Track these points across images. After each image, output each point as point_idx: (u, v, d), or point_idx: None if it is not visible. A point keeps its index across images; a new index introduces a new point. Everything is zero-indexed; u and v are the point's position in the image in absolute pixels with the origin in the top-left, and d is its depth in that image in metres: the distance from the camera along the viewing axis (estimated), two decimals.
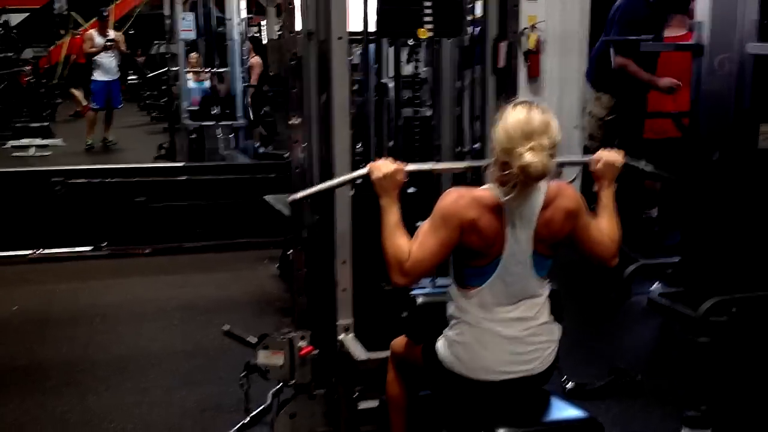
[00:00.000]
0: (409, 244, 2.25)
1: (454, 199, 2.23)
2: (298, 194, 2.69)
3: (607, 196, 2.44)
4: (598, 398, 3.46)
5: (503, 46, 2.97)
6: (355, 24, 3.11)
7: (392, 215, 2.31)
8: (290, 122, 3.13)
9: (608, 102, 5.57)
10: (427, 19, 2.90)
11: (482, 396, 2.31)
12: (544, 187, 2.25)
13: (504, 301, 2.26)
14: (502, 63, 2.99)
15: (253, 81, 9.80)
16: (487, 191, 2.23)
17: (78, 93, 13.41)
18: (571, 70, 6.53)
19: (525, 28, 6.52)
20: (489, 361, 2.26)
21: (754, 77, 4.10)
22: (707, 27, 4.38)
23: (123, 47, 10.95)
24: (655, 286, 4.85)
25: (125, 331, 4.42)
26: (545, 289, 2.33)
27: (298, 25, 3.14)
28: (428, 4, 2.88)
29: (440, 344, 2.36)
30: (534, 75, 6.52)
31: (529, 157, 2.10)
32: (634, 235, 5.58)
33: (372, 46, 3.34)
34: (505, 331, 2.26)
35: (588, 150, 5.85)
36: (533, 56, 6.53)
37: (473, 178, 3.19)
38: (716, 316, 4.15)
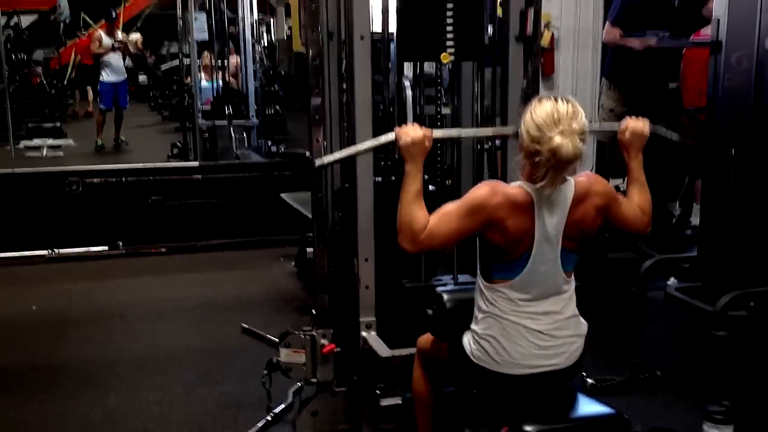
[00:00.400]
0: (426, 217, 2.25)
1: (487, 194, 2.22)
2: (325, 158, 2.64)
3: (636, 167, 2.46)
4: (618, 394, 3.46)
5: (531, 13, 2.96)
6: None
7: (415, 183, 2.29)
8: (313, 121, 3.13)
9: (618, 95, 5.57)
10: (449, 43, 2.91)
11: (510, 390, 2.32)
12: (572, 184, 2.25)
13: (531, 296, 2.27)
14: (530, 30, 2.97)
15: (231, 77, 9.77)
16: (520, 188, 2.23)
17: (89, 93, 13.46)
18: (585, 67, 6.53)
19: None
20: (516, 354, 2.27)
21: None
22: (725, 23, 4.37)
23: (132, 48, 10.99)
24: (672, 281, 4.84)
25: (143, 330, 4.44)
26: (571, 284, 2.34)
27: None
28: (450, 28, 2.89)
29: (466, 339, 2.37)
30: (548, 72, 6.51)
31: (558, 139, 2.11)
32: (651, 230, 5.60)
33: (393, 45, 3.35)
34: (532, 325, 2.27)
35: (601, 144, 5.87)
36: (548, 54, 6.51)
37: (499, 147, 3.18)
38: (734, 311, 4.14)
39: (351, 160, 3.00)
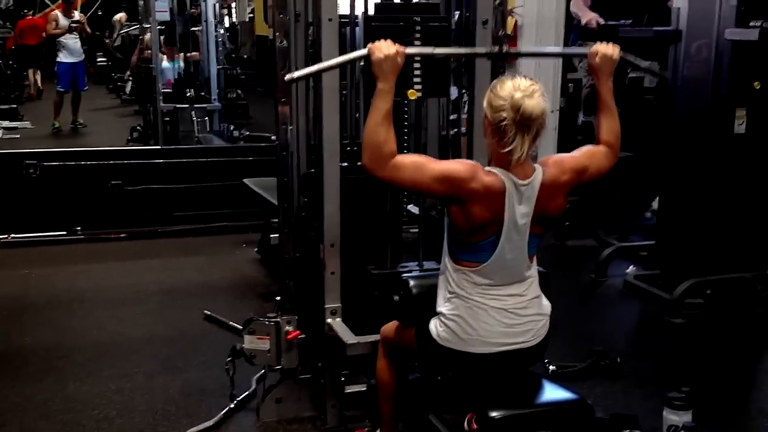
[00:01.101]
0: (395, 142, 2.25)
1: (467, 174, 2.23)
2: (295, 74, 2.61)
3: (605, 92, 2.49)
4: (580, 380, 3.51)
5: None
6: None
7: (386, 102, 2.28)
8: (279, 105, 3.11)
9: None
10: (416, 80, 2.92)
11: (478, 370, 2.35)
12: (540, 172, 2.28)
13: (497, 282, 2.30)
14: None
15: (136, 55, 10.62)
16: (495, 176, 2.24)
17: (32, 76, 13.19)
18: None
19: None
20: (483, 332, 2.30)
21: (732, 63, 4.16)
22: (685, 13, 4.44)
23: (87, 29, 10.82)
24: (631, 268, 4.93)
25: (104, 317, 4.38)
26: (534, 267, 2.38)
27: None
28: (417, 66, 2.91)
29: (433, 323, 2.39)
30: (511, 60, 6.54)
31: (520, 95, 2.17)
32: (609, 219, 5.68)
33: (358, 29, 3.33)
34: (498, 305, 2.31)
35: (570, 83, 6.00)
36: (511, 41, 6.54)
37: (464, 133, 3.19)
38: (692, 298, 4.23)
39: (319, 143, 2.99)
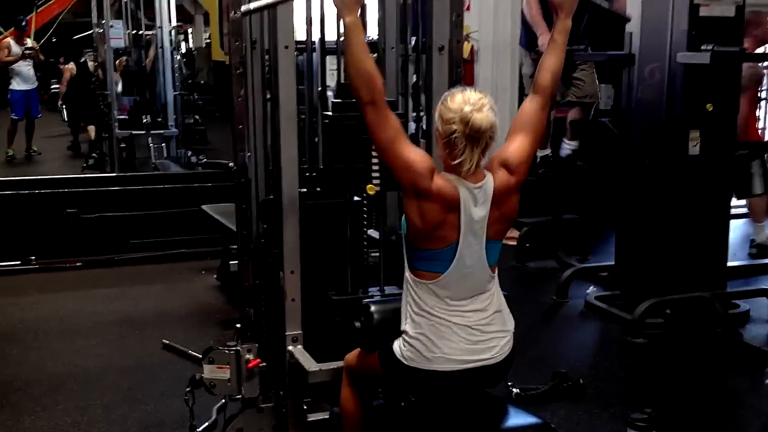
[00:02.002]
0: (381, 77, 2.26)
1: (426, 167, 2.23)
2: (252, 5, 2.58)
3: (561, 30, 2.47)
4: (542, 403, 3.51)
5: None
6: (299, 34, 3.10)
7: (360, 34, 2.26)
8: (236, 131, 3.08)
9: (533, 61, 5.70)
10: (375, 175, 2.94)
11: (444, 388, 2.33)
12: (491, 178, 2.29)
13: (459, 294, 2.29)
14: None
15: (63, 85, 10.94)
16: (448, 182, 2.25)
17: None
18: (504, 79, 6.66)
19: None
20: (447, 349, 2.28)
21: (684, 85, 4.24)
22: (637, 37, 4.52)
23: (41, 56, 10.72)
24: (592, 289, 4.96)
25: (60, 348, 4.28)
26: (495, 278, 2.38)
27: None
28: (375, 161, 2.93)
29: (397, 344, 2.37)
30: (467, 83, 6.57)
31: (469, 108, 2.18)
32: (566, 238, 5.73)
33: (315, 56, 3.33)
34: (461, 321, 2.29)
35: None
36: (467, 65, 6.61)
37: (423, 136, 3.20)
38: (652, 318, 4.27)
39: (277, 169, 2.97)
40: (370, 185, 2.97)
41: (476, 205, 2.26)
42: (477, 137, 2.20)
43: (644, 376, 3.93)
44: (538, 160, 5.89)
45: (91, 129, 10.78)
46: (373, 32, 3.52)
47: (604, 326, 4.58)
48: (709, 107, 4.25)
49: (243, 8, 2.90)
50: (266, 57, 3.24)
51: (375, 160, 2.95)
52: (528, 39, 5.81)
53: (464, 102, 2.21)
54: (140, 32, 8.63)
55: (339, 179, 3.04)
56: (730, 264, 4.82)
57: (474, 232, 2.27)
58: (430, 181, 2.23)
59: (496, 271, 2.37)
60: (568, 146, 5.84)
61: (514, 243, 5.88)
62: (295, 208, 2.96)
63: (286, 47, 2.91)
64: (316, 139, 3.33)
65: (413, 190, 2.25)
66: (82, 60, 11.53)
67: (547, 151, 5.88)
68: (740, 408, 3.61)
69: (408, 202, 2.28)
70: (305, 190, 3.14)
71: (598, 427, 3.33)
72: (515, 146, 2.37)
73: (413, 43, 3.36)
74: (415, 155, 2.27)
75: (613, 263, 4.93)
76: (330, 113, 3.02)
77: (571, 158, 5.96)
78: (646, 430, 2.83)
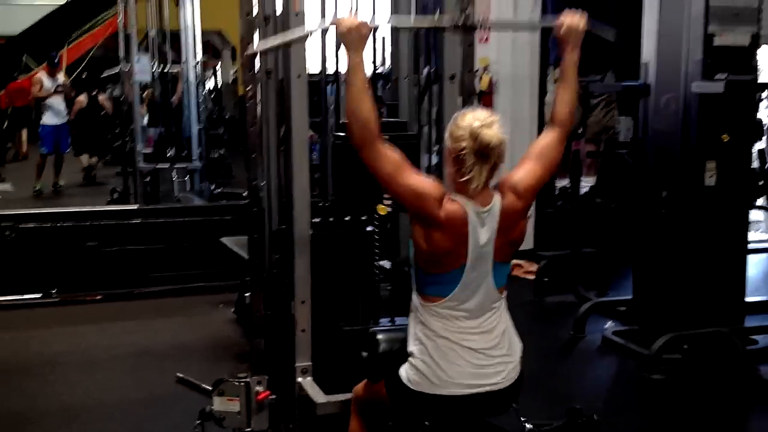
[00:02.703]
0: (377, 119, 2.29)
1: (435, 194, 2.27)
2: (257, 47, 2.64)
3: (569, 64, 2.51)
4: None
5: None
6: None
7: (361, 73, 2.31)
8: (249, 160, 3.12)
9: None
10: (386, 196, 2.97)
11: (452, 413, 2.32)
12: (499, 199, 2.31)
13: (465, 314, 2.30)
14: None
15: (72, 115, 11.02)
16: (456, 203, 2.27)
17: (23, 135, 13.41)
18: (523, 110, 6.65)
19: (477, 70, 6.65)
20: (453, 373, 2.28)
21: (699, 115, 4.22)
22: (653, 67, 4.51)
23: (72, 92, 10.94)
24: (609, 324, 4.91)
25: (76, 380, 4.31)
26: (503, 300, 2.38)
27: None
28: None
29: (403, 369, 2.37)
30: (486, 100, 6.62)
31: (478, 124, 2.22)
32: (585, 272, 5.68)
33: (330, 88, 3.37)
34: (467, 343, 2.29)
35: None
36: (486, 97, 6.63)
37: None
38: (669, 353, 4.20)
39: (289, 198, 2.99)
40: (381, 206, 2.97)
41: (482, 227, 2.27)
42: (486, 153, 2.22)
43: (660, 412, 3.86)
44: (557, 191, 5.86)
45: (84, 157, 11.48)
46: (386, 62, 3.58)
47: (621, 362, 4.52)
48: (725, 138, 4.22)
49: (259, 47, 2.92)
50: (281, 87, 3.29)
51: None
52: (557, 58, 5.82)
53: (474, 119, 2.25)
54: (166, 67, 8.77)
55: (349, 199, 3.05)
56: (750, 299, 4.76)
57: (481, 255, 2.28)
58: (439, 208, 2.25)
59: (504, 293, 2.38)
60: (585, 182, 5.82)
61: (533, 277, 5.84)
62: (307, 238, 2.98)
63: (299, 76, 2.96)
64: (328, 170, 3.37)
65: (419, 216, 2.27)
66: (94, 93, 11.85)
67: (566, 182, 5.85)
68: None
69: (416, 228, 2.30)
70: (318, 219, 3.16)
71: None
72: (525, 172, 2.39)
73: (425, 73, 3.39)
74: (420, 184, 2.29)
75: (631, 297, 4.88)
76: (341, 134, 3.04)
77: (589, 194, 5.94)
78: None
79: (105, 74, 14.15)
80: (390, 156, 2.29)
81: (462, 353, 2.29)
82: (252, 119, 3.13)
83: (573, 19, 2.51)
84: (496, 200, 2.31)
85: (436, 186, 2.31)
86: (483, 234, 2.27)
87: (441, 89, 3.23)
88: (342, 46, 2.39)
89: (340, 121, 3.35)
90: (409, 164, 2.33)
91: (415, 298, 2.36)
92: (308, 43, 2.96)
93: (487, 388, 2.31)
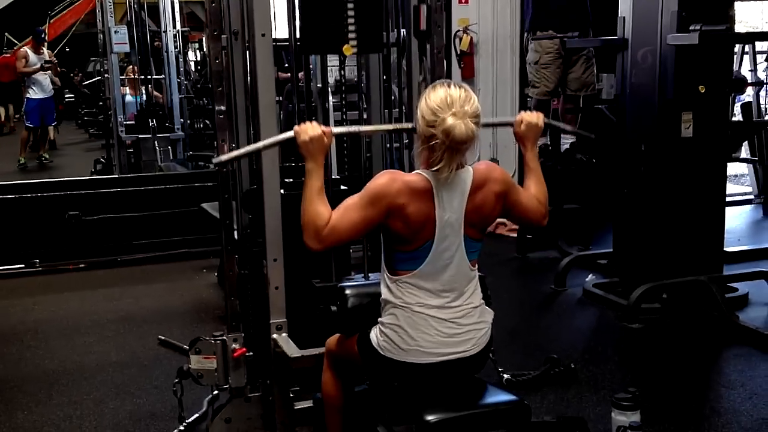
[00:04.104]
0: (329, 212, 2.26)
1: (386, 181, 2.23)
2: (223, 156, 2.62)
3: (531, 158, 2.51)
4: (534, 388, 3.49)
5: (423, 8, 3.01)
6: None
7: (316, 180, 2.29)
8: (217, 121, 3.09)
9: (539, 45, 5.65)
10: (351, 36, 2.90)
11: (418, 379, 2.32)
12: (470, 171, 2.28)
13: (436, 287, 2.28)
14: (423, 26, 3.02)
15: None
16: (418, 175, 2.25)
17: (3, 111, 13.42)
18: (505, 71, 6.63)
19: (458, 31, 6.61)
20: (422, 342, 2.27)
21: (676, 67, 4.20)
22: (629, 21, 4.49)
23: (57, 68, 10.88)
24: (590, 277, 4.93)
25: (57, 346, 4.31)
26: (475, 273, 2.36)
27: None
28: (351, 21, 2.89)
29: (374, 333, 2.37)
30: (468, 76, 6.59)
31: (451, 120, 2.16)
32: (567, 228, 5.70)
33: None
34: (438, 314, 2.28)
35: (529, 98, 6.08)
36: (467, 58, 6.60)
37: (406, 146, 3.19)
38: (648, 303, 4.23)
39: (258, 160, 2.97)
40: (346, 46, 2.94)
41: (452, 198, 2.24)
42: (458, 148, 2.19)
43: (637, 360, 3.89)
44: (537, 149, 5.85)
45: (51, 129, 11.41)
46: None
47: (601, 313, 4.55)
48: (702, 89, 4.21)
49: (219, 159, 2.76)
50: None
51: (351, 21, 2.90)
52: (531, 21, 5.79)
53: (446, 106, 2.18)
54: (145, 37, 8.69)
55: (314, 40, 3.00)
56: (731, 249, 4.78)
57: (451, 225, 2.25)
58: (396, 182, 2.23)
59: (476, 266, 2.36)
60: (565, 140, 5.82)
61: (515, 235, 5.85)
62: (277, 197, 2.96)
63: (263, 35, 2.91)
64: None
65: (395, 209, 2.22)
66: (72, 75, 11.86)
67: (545, 140, 5.84)
68: (732, 388, 3.57)
69: (393, 221, 2.25)
70: (291, 180, 3.15)
71: (586, 409, 3.30)
72: (509, 180, 2.38)
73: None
74: (367, 187, 2.26)
75: (612, 250, 4.89)
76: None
77: (569, 151, 5.93)
78: (630, 409, 2.80)
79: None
80: (336, 218, 2.25)
81: (433, 323, 2.28)
82: (218, 82, 3.09)
83: (531, 117, 2.50)
84: (469, 170, 2.28)
85: (380, 175, 2.28)
86: (451, 203, 2.24)
87: (409, 47, 3.18)
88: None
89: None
90: (346, 206, 2.27)
91: (386, 276, 2.34)
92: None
93: (457, 356, 2.30)
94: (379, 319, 2.36)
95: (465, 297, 2.32)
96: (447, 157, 2.19)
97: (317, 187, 2.28)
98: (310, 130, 2.33)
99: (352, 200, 2.27)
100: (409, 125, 2.62)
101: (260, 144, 2.64)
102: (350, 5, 2.93)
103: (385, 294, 2.35)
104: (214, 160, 2.63)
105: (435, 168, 2.21)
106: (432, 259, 2.26)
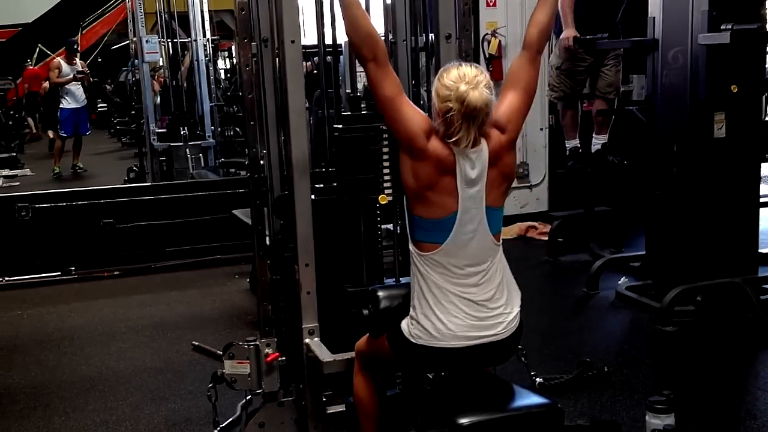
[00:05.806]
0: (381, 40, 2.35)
1: (424, 128, 2.29)
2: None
3: None
4: (566, 391, 3.47)
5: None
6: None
7: None
8: (248, 128, 3.12)
9: (563, 51, 5.62)
10: (386, 185, 2.94)
11: (453, 364, 2.35)
12: (485, 144, 2.31)
13: (462, 262, 2.30)
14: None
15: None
16: (445, 144, 2.28)
17: (31, 121, 13.70)
18: None
19: (486, 34, 6.60)
20: (453, 326, 2.29)
21: (708, 67, 4.16)
22: (660, 21, 4.45)
23: (90, 79, 11.05)
24: (623, 280, 4.89)
25: (93, 352, 4.37)
26: (500, 247, 2.38)
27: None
28: (386, 171, 2.93)
29: (405, 323, 2.39)
30: (497, 78, 6.55)
31: (464, 87, 2.22)
32: (599, 231, 5.66)
33: (329, 59, 3.36)
34: (465, 294, 2.30)
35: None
36: (496, 61, 6.58)
37: None
38: (682, 305, 4.19)
39: (288, 166, 2.99)
40: (382, 195, 2.98)
41: (473, 168, 2.28)
42: (474, 115, 2.23)
43: (671, 363, 3.85)
44: (567, 152, 5.82)
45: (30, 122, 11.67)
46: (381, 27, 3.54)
47: (634, 316, 4.50)
48: (734, 88, 4.17)
49: None
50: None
51: (386, 171, 2.96)
52: (559, 26, 5.75)
53: (459, 79, 2.24)
54: (177, 47, 8.79)
55: (350, 191, 3.05)
56: (766, 250, 4.72)
57: (472, 197, 2.29)
58: (426, 141, 2.28)
59: (501, 240, 2.38)
60: (597, 141, 5.77)
61: (546, 238, 5.82)
62: (308, 202, 2.98)
63: (293, 42, 2.94)
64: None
65: (409, 147, 2.29)
66: (104, 85, 12.05)
67: (576, 142, 5.80)
68: (767, 391, 3.53)
69: (403, 160, 2.32)
70: (321, 185, 3.17)
71: (620, 413, 3.27)
72: (505, 105, 2.41)
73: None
74: (414, 113, 2.33)
75: (644, 253, 4.85)
76: (339, 126, 3.03)
77: (600, 153, 5.88)
78: (664, 412, 2.77)
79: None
80: (394, 80, 2.34)
81: (462, 305, 2.30)
82: (249, 88, 3.13)
83: None
84: (483, 144, 2.31)
85: (425, 120, 2.33)
86: (472, 172, 2.27)
87: (437, 50, 3.19)
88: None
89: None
90: (404, 94, 2.36)
91: (412, 248, 2.37)
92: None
93: (488, 339, 2.32)
94: (411, 305, 2.38)
95: (490, 274, 2.34)
96: (465, 127, 2.23)
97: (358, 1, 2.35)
98: None
99: (402, 94, 2.34)
100: None
101: None
102: (385, 157, 2.92)
103: (413, 277, 2.38)
104: None
105: (454, 139, 2.25)
106: (456, 232, 2.29)
